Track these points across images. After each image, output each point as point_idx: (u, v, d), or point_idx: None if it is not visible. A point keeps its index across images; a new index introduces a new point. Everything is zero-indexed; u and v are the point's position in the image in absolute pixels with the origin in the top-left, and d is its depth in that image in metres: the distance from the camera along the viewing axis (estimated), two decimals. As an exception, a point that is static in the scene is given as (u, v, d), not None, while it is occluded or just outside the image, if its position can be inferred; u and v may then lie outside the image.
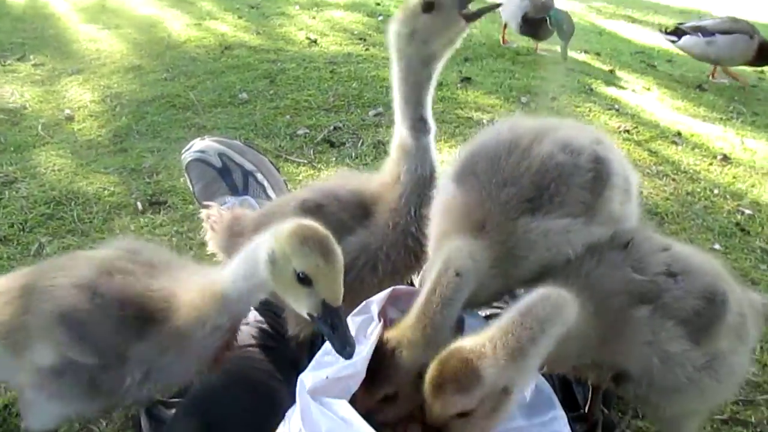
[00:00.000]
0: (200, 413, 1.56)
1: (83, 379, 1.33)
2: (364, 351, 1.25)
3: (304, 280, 1.20)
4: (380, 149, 3.25)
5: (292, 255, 1.20)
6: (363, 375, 1.23)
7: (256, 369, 1.70)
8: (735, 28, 4.90)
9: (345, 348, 1.19)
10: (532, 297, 1.23)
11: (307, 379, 1.23)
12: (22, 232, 2.57)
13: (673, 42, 5.24)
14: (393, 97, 1.64)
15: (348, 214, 1.63)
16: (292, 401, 1.55)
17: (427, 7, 1.50)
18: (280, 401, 1.60)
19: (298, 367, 1.71)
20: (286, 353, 1.75)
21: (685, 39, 5.09)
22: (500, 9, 5.01)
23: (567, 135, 1.43)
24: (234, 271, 1.35)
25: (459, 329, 1.34)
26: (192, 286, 1.39)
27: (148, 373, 1.34)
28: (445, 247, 1.34)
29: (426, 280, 1.34)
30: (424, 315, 1.27)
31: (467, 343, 1.18)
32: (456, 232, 1.37)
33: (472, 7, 1.53)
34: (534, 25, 4.84)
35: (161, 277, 1.42)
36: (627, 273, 1.33)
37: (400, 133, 1.64)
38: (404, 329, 1.28)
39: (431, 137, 1.62)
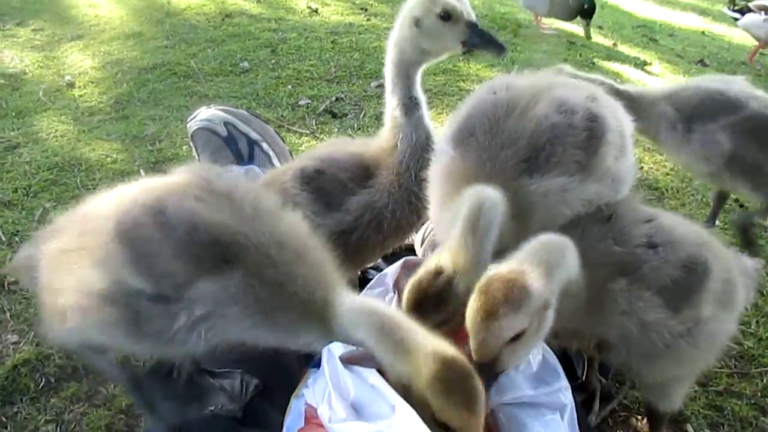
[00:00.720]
0: None
1: (131, 312, 1.18)
2: None
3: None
4: (382, 121, 3.18)
5: (434, 403, 1.09)
6: None
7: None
8: None
9: None
10: (542, 237, 1.25)
11: (336, 348, 1.26)
12: (26, 197, 2.58)
13: (735, 20, 5.05)
14: (385, 65, 1.69)
15: (348, 175, 1.68)
16: (298, 364, 1.57)
17: (445, 15, 1.58)
18: (285, 365, 1.62)
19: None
20: None
21: (747, 17, 4.88)
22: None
23: (562, 94, 1.46)
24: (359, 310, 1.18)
25: None
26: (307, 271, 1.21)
27: (207, 316, 1.16)
28: (466, 192, 1.33)
29: (443, 236, 1.35)
30: (472, 240, 1.26)
31: (501, 269, 1.16)
32: (459, 195, 1.36)
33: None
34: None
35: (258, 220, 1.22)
36: (608, 245, 1.36)
37: (391, 105, 1.70)
38: (452, 257, 1.26)
39: (423, 109, 1.69)
